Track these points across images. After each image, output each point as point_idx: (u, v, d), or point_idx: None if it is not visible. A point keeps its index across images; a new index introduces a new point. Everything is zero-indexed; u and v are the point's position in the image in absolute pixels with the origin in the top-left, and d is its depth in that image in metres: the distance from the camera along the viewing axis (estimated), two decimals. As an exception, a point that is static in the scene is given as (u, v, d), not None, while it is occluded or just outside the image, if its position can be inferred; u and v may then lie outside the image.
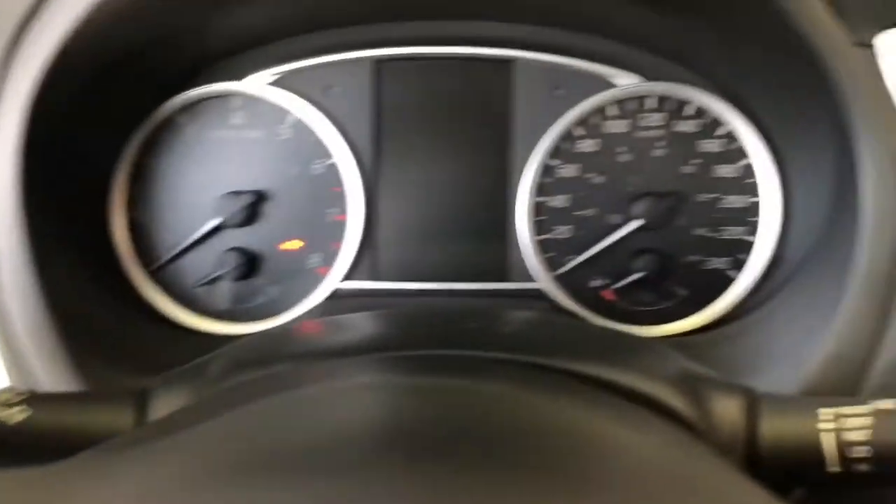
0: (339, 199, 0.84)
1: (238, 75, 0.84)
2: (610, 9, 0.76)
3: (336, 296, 0.84)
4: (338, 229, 0.84)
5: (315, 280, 0.85)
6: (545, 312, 0.80)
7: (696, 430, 0.48)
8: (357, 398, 0.40)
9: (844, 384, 0.63)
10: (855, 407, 0.48)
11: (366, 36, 0.83)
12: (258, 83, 0.83)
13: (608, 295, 0.84)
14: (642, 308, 0.84)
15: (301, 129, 0.84)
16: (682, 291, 0.83)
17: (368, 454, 0.33)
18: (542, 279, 0.83)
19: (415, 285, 0.84)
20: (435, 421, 0.36)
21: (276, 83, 0.83)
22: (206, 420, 0.38)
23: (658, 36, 0.79)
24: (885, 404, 0.47)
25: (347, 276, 0.84)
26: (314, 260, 0.85)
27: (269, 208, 0.85)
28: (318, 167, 0.84)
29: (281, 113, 0.84)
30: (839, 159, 0.71)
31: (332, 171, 0.84)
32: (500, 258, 0.84)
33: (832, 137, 0.71)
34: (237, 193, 0.83)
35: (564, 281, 0.84)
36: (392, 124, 0.84)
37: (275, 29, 0.84)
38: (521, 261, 0.83)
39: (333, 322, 0.62)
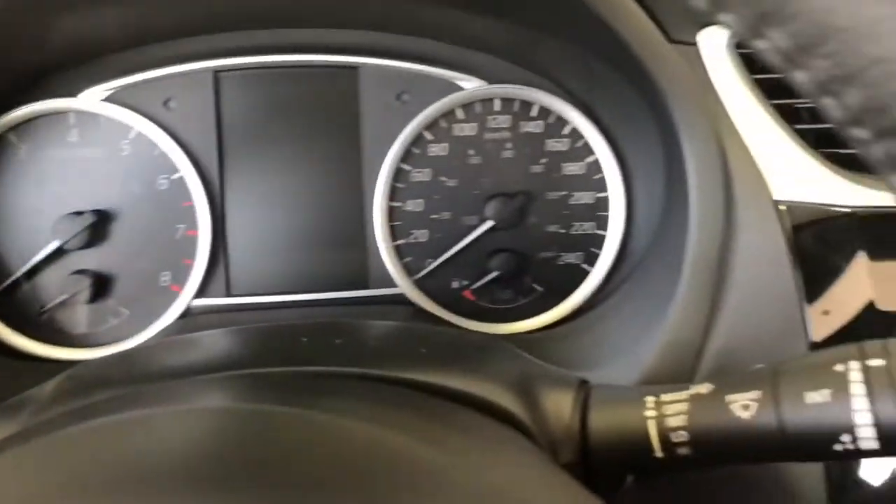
0: (188, 215, 0.82)
1: (72, 91, 0.80)
2: (447, 15, 0.77)
3: (189, 313, 0.82)
4: (189, 245, 0.82)
5: (168, 298, 0.82)
6: (404, 318, 0.81)
7: (530, 430, 0.49)
8: (173, 424, 0.39)
9: (681, 371, 0.65)
10: (674, 393, 0.50)
11: (204, 46, 0.81)
12: (93, 99, 0.80)
13: (469, 295, 0.85)
14: (502, 306, 0.85)
15: (142, 144, 0.81)
16: (539, 287, 0.85)
17: (177, 482, 0.32)
18: (403, 284, 0.83)
19: (272, 298, 0.83)
20: (250, 447, 0.35)
21: (112, 98, 0.80)
22: (27, 445, 0.36)
23: (497, 40, 0.80)
24: (700, 388, 0.50)
25: (200, 293, 0.82)
26: (166, 278, 0.82)
27: (115, 228, 0.82)
28: (163, 183, 0.81)
29: (120, 129, 0.81)
30: (667, 154, 0.74)
31: (179, 185, 0.81)
32: (359, 265, 0.84)
33: (661, 132, 0.75)
34: (78, 214, 0.80)
35: (424, 284, 0.85)
36: (236, 136, 0.82)
37: (108, 41, 0.80)
38: (380, 267, 0.83)
39: (170, 343, 0.61)
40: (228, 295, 0.83)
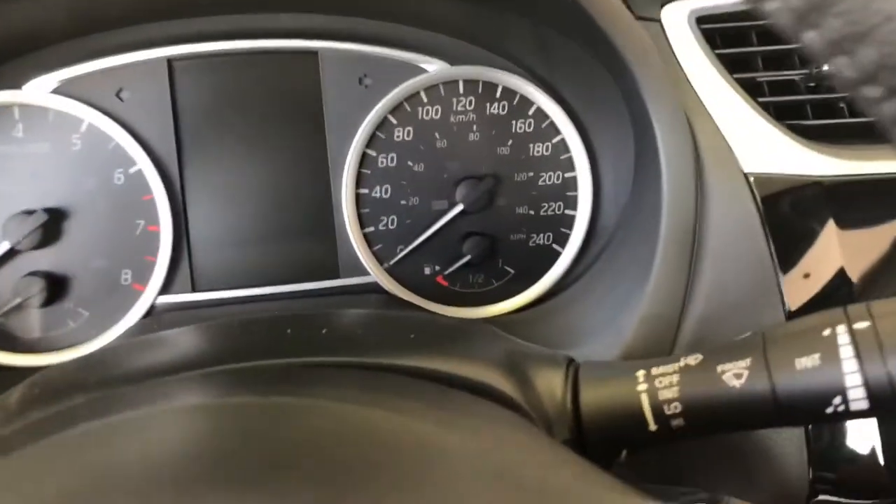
0: (148, 209, 0.79)
1: (17, 82, 0.76)
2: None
3: (154, 312, 0.79)
4: (150, 241, 0.79)
5: (130, 297, 0.79)
6: (377, 306, 0.79)
7: (523, 409, 0.49)
8: (171, 422, 0.37)
9: (660, 345, 0.66)
10: (664, 366, 0.50)
11: (157, 33, 0.77)
12: (40, 91, 0.76)
13: (442, 281, 0.84)
14: (475, 290, 0.85)
15: (95, 137, 0.77)
16: (511, 270, 0.85)
17: (184, 479, 0.30)
18: (374, 272, 0.82)
19: (240, 292, 0.80)
20: (251, 441, 0.34)
21: (60, 90, 0.76)
22: (8, 457, 0.34)
23: (458, 21, 0.79)
24: (689, 360, 0.50)
25: (164, 290, 0.79)
26: (127, 276, 0.79)
27: (69, 226, 0.78)
28: (119, 177, 0.78)
29: (70, 122, 0.77)
30: (636, 130, 0.74)
31: (137, 179, 0.78)
32: (328, 255, 0.82)
33: (629, 109, 0.75)
34: (28, 213, 0.76)
35: (396, 271, 0.83)
36: (194, 126, 0.79)
37: (55, 29, 0.76)
38: (350, 256, 0.82)
39: (147, 341, 0.58)
40: (194, 291, 0.80)
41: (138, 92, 0.77)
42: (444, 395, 0.42)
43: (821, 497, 0.66)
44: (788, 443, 0.65)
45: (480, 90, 0.82)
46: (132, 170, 0.78)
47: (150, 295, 0.79)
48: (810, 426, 0.65)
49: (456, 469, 0.33)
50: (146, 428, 0.35)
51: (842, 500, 0.67)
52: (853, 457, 0.65)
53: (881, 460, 0.65)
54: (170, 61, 0.77)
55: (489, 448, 0.35)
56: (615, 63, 0.68)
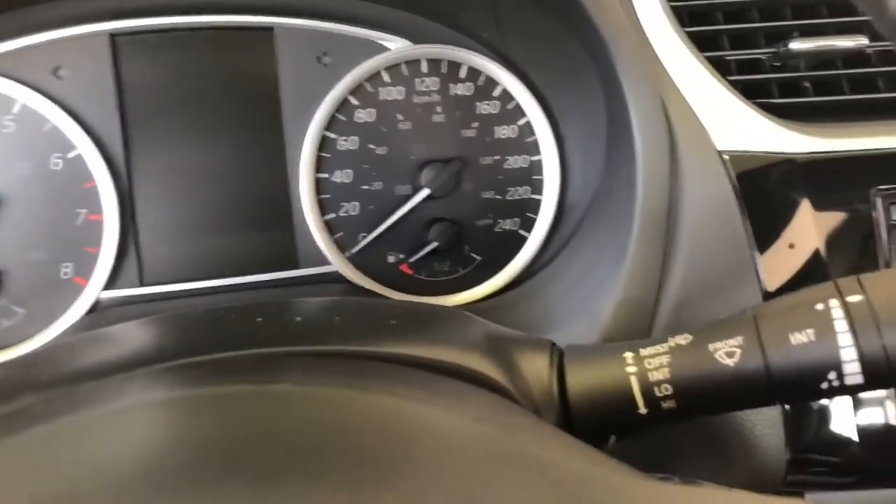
0: (90, 197, 0.73)
1: (-60, 61, 0.70)
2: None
3: (99, 307, 0.73)
4: (93, 231, 0.73)
5: (72, 292, 0.73)
6: (340, 296, 0.75)
7: (512, 395, 0.46)
8: (138, 418, 0.33)
9: (638, 327, 0.64)
10: (652, 346, 0.48)
11: (99, 6, 0.72)
12: (-33, 68, 0.69)
13: (406, 269, 0.81)
14: (441, 278, 0.82)
15: (29, 119, 0.71)
16: (478, 257, 0.82)
17: (160, 475, 0.27)
18: (335, 261, 0.78)
19: (192, 285, 0.75)
20: (227, 432, 0.30)
21: (-10, 67, 0.70)
22: None
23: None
24: (679, 339, 0.48)
25: (109, 285, 0.73)
26: (68, 269, 0.73)
27: (1, 216, 0.72)
28: (57, 162, 0.72)
29: (2, 102, 0.71)
30: (609, 109, 0.73)
31: (77, 164, 0.72)
32: (287, 244, 0.78)
33: (599, 88, 0.73)
34: (-45, 203, 0.70)
35: (359, 260, 0.80)
36: (141, 107, 0.74)
37: (-18, 2, 0.70)
38: (310, 244, 0.78)
39: (102, 335, 0.53)
40: (142, 284, 0.75)
41: (78, 70, 0.72)
42: (436, 381, 0.39)
43: (797, 477, 0.66)
44: (766, 426, 0.64)
45: (444, 70, 0.79)
46: (71, 154, 0.72)
47: (93, 290, 0.73)
48: (788, 408, 0.64)
49: (462, 453, 0.30)
50: (125, 422, 0.31)
51: (818, 479, 0.67)
52: (829, 439, 0.65)
53: (856, 442, 0.65)
54: (112, 36, 0.72)
55: (493, 431, 0.33)
56: (591, 41, 0.66)
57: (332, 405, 0.31)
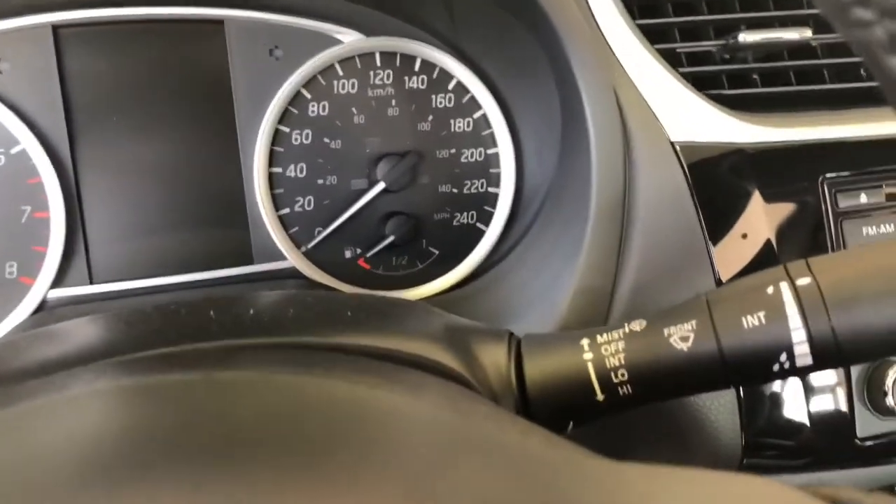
0: (35, 194, 0.71)
1: None
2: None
3: (45, 307, 0.71)
4: (39, 229, 0.71)
5: (17, 292, 0.71)
6: (296, 290, 0.74)
7: (468, 383, 0.46)
8: (78, 406, 0.32)
9: (595, 316, 0.65)
10: (608, 333, 0.48)
11: (40, -3, 0.70)
12: None
13: (363, 264, 0.80)
14: (399, 273, 0.81)
15: (-31, 114, 0.69)
16: (436, 251, 0.82)
17: (100, 461, 0.26)
18: (291, 257, 0.77)
19: (143, 283, 0.74)
20: (173, 417, 0.30)
21: (-75, 60, 0.67)
22: None
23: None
24: (634, 325, 0.49)
25: (57, 283, 0.71)
26: (12, 269, 0.71)
27: (-60, 215, 0.69)
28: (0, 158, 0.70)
29: (-62, 97, 0.68)
30: (563, 102, 0.73)
31: (21, 160, 0.70)
32: (241, 239, 0.76)
33: (553, 80, 0.73)
34: None
35: (315, 255, 0.79)
36: (87, 101, 0.71)
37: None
38: (265, 240, 0.76)
39: (49, 332, 0.51)
40: (91, 283, 0.73)
41: (19, 63, 0.69)
42: (393, 370, 0.39)
43: (752, 461, 0.67)
44: (721, 412, 0.65)
45: (398, 63, 0.78)
46: (14, 150, 0.70)
47: (40, 289, 0.71)
48: (742, 394, 0.65)
49: (418, 437, 0.30)
50: (66, 411, 0.30)
51: (772, 462, 0.68)
52: (783, 424, 0.66)
53: (808, 426, 0.66)
54: (55, 28, 0.70)
55: (450, 416, 0.33)
56: (544, 33, 0.66)
57: (284, 390, 0.30)
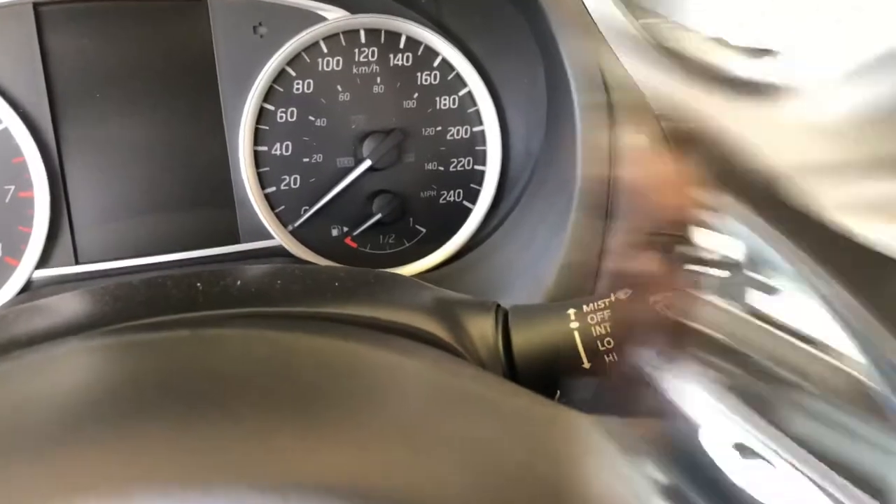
0: (18, 173, 0.70)
1: None
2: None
3: (32, 287, 0.71)
4: (23, 209, 0.71)
5: (3, 272, 0.71)
6: (282, 264, 0.75)
7: (458, 352, 0.46)
8: (66, 362, 0.32)
9: (581, 291, 0.65)
10: (594, 302, 0.49)
11: (20, -25, 0.69)
12: None
13: (350, 242, 0.81)
14: (386, 251, 0.81)
15: (-51, 93, 0.68)
16: (423, 229, 0.82)
17: (104, 407, 0.26)
18: (277, 235, 0.77)
19: (129, 262, 0.73)
20: (162, 367, 0.30)
21: None
22: None
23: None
24: (620, 294, 0.49)
25: (42, 263, 0.71)
26: None
27: (-77, 196, 0.69)
28: (-19, 137, 0.69)
29: (-82, 75, 0.67)
30: (549, 77, 0.73)
31: (4, 139, 0.70)
32: (228, 218, 0.76)
33: (539, 56, 0.73)
34: None
35: (301, 234, 0.79)
36: (70, 80, 0.71)
37: None
38: (251, 218, 0.76)
39: (35, 307, 0.51)
40: (77, 263, 0.72)
41: (1, 42, 0.69)
42: (383, 337, 0.39)
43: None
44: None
45: (383, 40, 0.78)
46: (-3, 129, 0.70)
47: (25, 269, 0.71)
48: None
49: (407, 388, 0.31)
50: (63, 365, 0.30)
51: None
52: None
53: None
54: (36, 6, 0.69)
55: (439, 373, 0.33)
56: (528, 8, 0.66)
57: (274, 343, 0.31)
